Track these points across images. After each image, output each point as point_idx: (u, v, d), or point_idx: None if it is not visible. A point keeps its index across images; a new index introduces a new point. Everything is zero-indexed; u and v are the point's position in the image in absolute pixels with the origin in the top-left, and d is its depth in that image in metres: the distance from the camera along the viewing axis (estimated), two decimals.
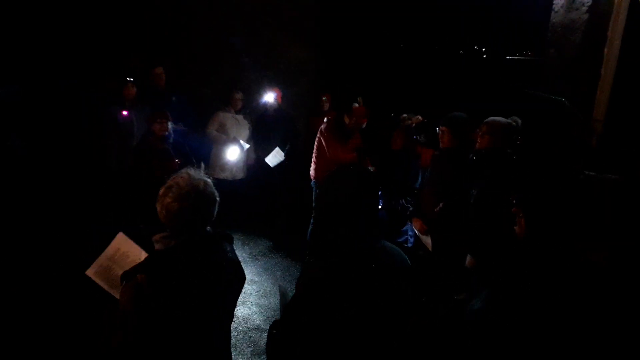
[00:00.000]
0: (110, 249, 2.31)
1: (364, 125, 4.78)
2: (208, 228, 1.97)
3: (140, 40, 6.15)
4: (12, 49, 5.44)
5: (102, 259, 2.30)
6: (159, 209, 1.89)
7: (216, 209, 1.96)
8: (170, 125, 4.05)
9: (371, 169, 5.12)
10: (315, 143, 4.96)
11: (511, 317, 1.42)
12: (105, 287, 2.24)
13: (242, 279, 2.09)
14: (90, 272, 2.27)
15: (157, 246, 1.88)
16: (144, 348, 1.81)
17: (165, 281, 1.78)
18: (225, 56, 6.52)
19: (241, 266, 2.09)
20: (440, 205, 3.61)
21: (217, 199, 1.96)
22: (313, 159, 5.03)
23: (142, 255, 2.27)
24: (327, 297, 1.59)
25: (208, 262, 1.90)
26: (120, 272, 2.18)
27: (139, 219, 3.79)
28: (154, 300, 1.75)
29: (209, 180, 1.96)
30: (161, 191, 1.90)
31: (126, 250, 2.30)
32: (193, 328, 1.87)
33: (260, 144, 5.76)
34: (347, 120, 4.75)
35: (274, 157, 5.57)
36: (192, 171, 1.94)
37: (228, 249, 2.03)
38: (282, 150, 5.60)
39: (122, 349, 1.80)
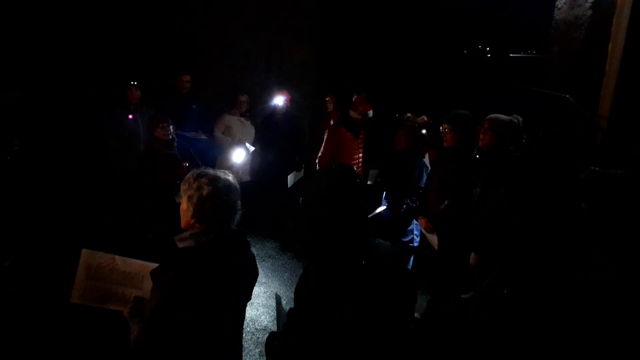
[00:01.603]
0: (81, 270, 2.26)
1: (371, 113, 4.66)
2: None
3: (140, 41, 6.16)
4: (12, 50, 5.45)
5: (78, 283, 2.25)
6: (191, 209, 1.92)
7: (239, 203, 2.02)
8: (172, 128, 4.03)
9: (375, 172, 5.11)
10: (321, 150, 4.85)
11: (510, 316, 1.43)
12: (97, 305, 2.23)
13: (256, 274, 2.16)
14: (74, 300, 2.24)
15: (184, 244, 1.90)
16: (168, 345, 1.81)
17: (199, 276, 1.82)
18: (225, 58, 6.51)
19: (255, 261, 2.15)
20: (445, 202, 3.62)
21: (239, 192, 2.03)
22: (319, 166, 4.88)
23: (117, 259, 2.26)
24: (326, 299, 1.60)
25: (238, 256, 1.98)
26: (104, 285, 2.21)
27: (136, 219, 3.81)
28: (188, 295, 1.78)
29: (230, 176, 2.02)
30: (191, 192, 1.92)
31: (98, 263, 2.26)
32: (217, 323, 1.90)
33: (267, 147, 5.78)
34: (353, 115, 4.67)
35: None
36: (211, 171, 1.99)
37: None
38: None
39: (147, 348, 1.81)
